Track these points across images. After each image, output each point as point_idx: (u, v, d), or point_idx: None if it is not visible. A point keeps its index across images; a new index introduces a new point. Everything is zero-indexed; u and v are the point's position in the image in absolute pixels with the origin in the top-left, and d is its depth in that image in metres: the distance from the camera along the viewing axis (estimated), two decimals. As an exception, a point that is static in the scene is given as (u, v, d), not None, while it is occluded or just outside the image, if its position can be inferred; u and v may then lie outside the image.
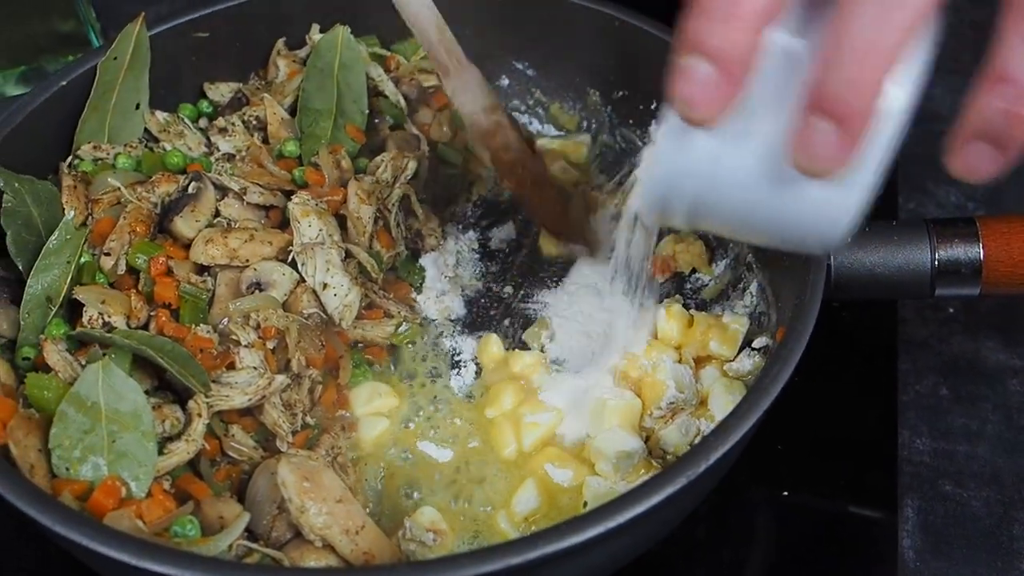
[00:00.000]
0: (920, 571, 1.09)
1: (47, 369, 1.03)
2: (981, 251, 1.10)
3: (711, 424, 1.10)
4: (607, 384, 1.16)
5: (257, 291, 1.14)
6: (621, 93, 1.43)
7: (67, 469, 0.93)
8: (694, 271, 1.30)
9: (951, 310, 1.33)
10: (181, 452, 0.99)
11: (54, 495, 0.91)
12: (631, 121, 1.44)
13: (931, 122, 1.60)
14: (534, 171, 1.25)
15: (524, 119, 1.51)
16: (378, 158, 1.31)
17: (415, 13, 1.16)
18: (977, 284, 1.11)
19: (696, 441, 1.09)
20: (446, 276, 1.32)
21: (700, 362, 1.18)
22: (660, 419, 1.11)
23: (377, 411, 1.17)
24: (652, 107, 1.40)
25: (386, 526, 1.05)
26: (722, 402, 1.11)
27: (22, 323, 1.08)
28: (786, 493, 1.15)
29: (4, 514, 1.12)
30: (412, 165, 1.31)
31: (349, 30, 1.37)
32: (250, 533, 0.97)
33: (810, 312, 1.00)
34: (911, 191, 1.50)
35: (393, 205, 1.28)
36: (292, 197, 1.21)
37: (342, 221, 1.23)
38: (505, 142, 1.22)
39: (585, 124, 1.48)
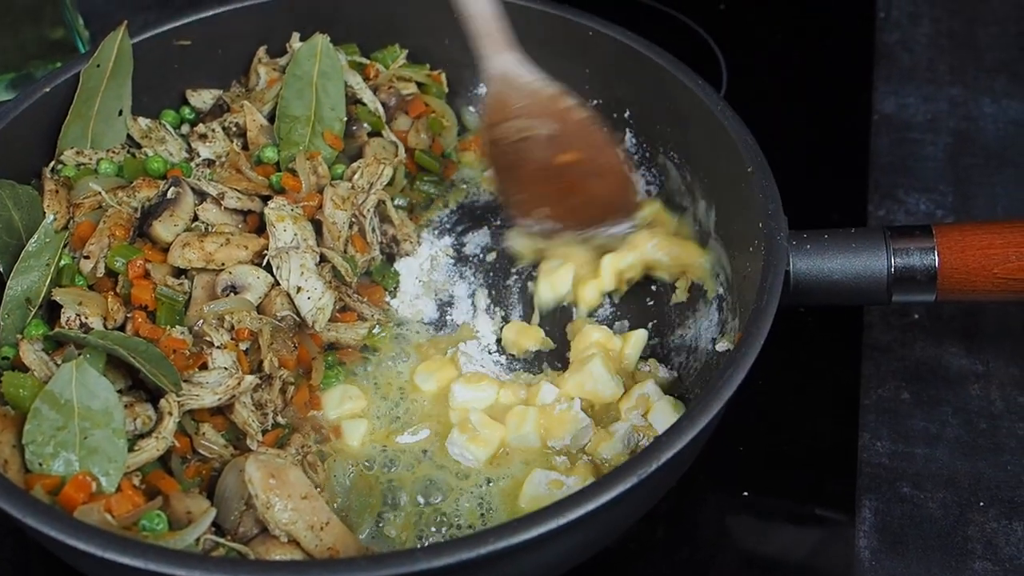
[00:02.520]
0: (875, 570, 1.12)
1: (24, 368, 1.06)
2: (936, 258, 1.13)
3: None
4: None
5: (232, 294, 1.17)
6: (595, 102, 1.46)
7: (40, 464, 0.96)
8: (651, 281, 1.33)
9: (915, 316, 1.35)
10: (151, 449, 1.02)
11: (27, 489, 0.94)
12: (604, 130, 1.46)
13: (903, 130, 1.64)
14: (600, 133, 1.25)
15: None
16: (354, 164, 1.34)
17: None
18: (933, 291, 1.14)
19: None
20: (420, 280, 1.35)
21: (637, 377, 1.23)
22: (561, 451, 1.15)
23: (351, 413, 1.20)
24: (625, 115, 1.42)
25: (353, 521, 1.08)
26: (664, 418, 1.14)
27: (2, 324, 1.11)
28: (746, 494, 1.18)
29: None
30: (388, 172, 1.34)
31: (328, 38, 1.40)
32: (218, 528, 1.00)
33: (765, 316, 1.03)
34: (881, 199, 1.53)
35: (368, 211, 1.31)
36: (269, 202, 1.24)
37: (318, 226, 1.26)
38: (574, 101, 1.23)
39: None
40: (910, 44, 1.80)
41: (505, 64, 1.23)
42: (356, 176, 1.32)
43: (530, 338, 1.27)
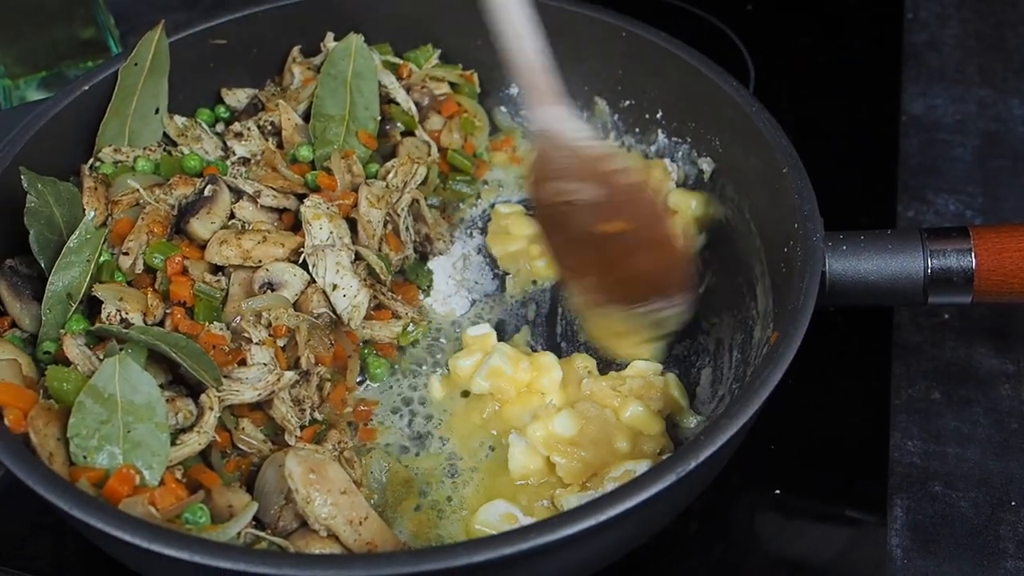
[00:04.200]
0: (907, 569, 1.12)
1: (67, 363, 1.07)
2: (973, 260, 1.13)
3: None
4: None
5: (269, 291, 1.19)
6: (628, 102, 1.47)
7: (84, 457, 0.98)
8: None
9: (945, 316, 1.36)
10: (193, 443, 1.03)
11: (72, 482, 0.95)
12: (637, 130, 1.47)
13: (932, 131, 1.64)
14: (651, 201, 1.15)
15: (534, 128, 1.54)
16: (389, 164, 1.35)
17: (515, 32, 1.11)
18: (969, 293, 1.14)
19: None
20: (453, 279, 1.36)
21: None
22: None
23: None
24: (658, 116, 1.43)
25: (389, 517, 1.09)
26: None
27: (43, 319, 1.12)
28: (778, 492, 1.18)
29: (21, 509, 1.18)
30: (422, 171, 1.35)
31: (363, 38, 1.41)
32: (258, 522, 1.02)
33: (802, 317, 1.03)
34: (910, 200, 1.53)
35: (403, 210, 1.32)
36: (304, 200, 1.26)
37: (353, 224, 1.27)
38: (624, 164, 1.14)
39: (592, 132, 1.52)
40: (938, 45, 1.80)
41: (550, 119, 1.14)
42: (390, 175, 1.33)
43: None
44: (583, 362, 1.23)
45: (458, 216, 1.44)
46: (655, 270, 1.18)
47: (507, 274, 1.37)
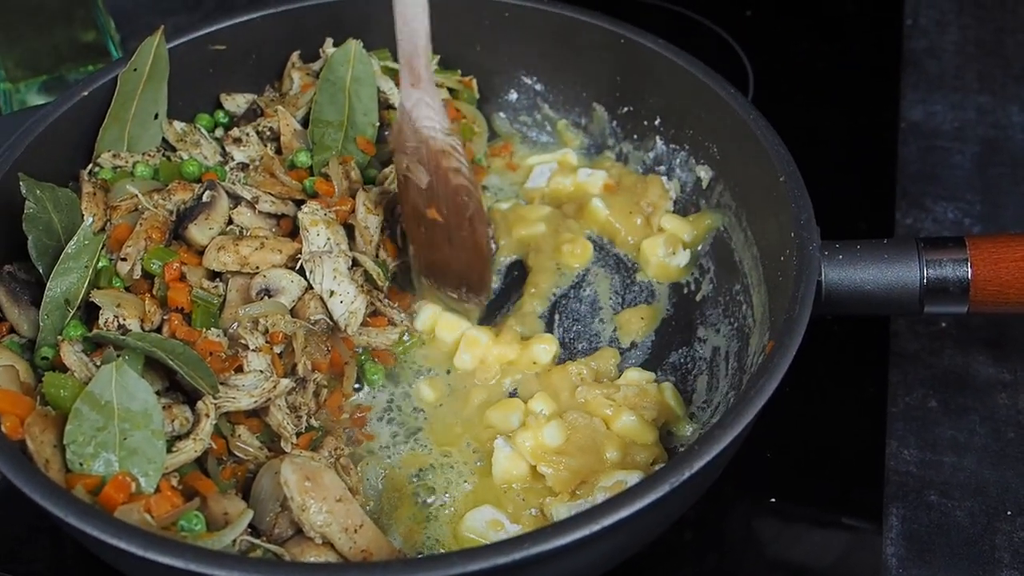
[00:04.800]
0: (902, 578, 1.12)
1: (64, 369, 1.07)
2: (969, 270, 1.13)
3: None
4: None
5: (266, 297, 1.19)
6: (626, 109, 1.47)
7: (80, 464, 0.98)
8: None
9: (943, 325, 1.36)
10: (189, 450, 1.04)
11: (68, 489, 0.95)
12: (635, 136, 1.47)
13: (931, 138, 1.64)
14: (475, 200, 1.23)
15: (532, 134, 1.55)
16: (386, 169, 1.35)
17: (411, 13, 1.15)
18: (965, 303, 1.14)
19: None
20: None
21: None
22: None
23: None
24: (656, 123, 1.43)
25: (384, 524, 1.09)
26: None
27: (41, 324, 1.12)
28: (774, 500, 1.19)
29: (19, 512, 1.18)
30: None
31: (361, 44, 1.42)
32: (253, 529, 1.02)
33: (798, 326, 1.03)
34: (909, 207, 1.53)
35: (400, 216, 1.32)
36: (302, 207, 1.26)
37: (350, 231, 1.27)
38: (459, 163, 1.20)
39: (590, 139, 1.52)
40: (938, 52, 1.80)
41: (414, 100, 1.19)
42: (388, 181, 1.33)
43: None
44: (577, 369, 1.23)
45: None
46: (458, 267, 1.28)
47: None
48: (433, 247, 1.28)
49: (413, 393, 1.25)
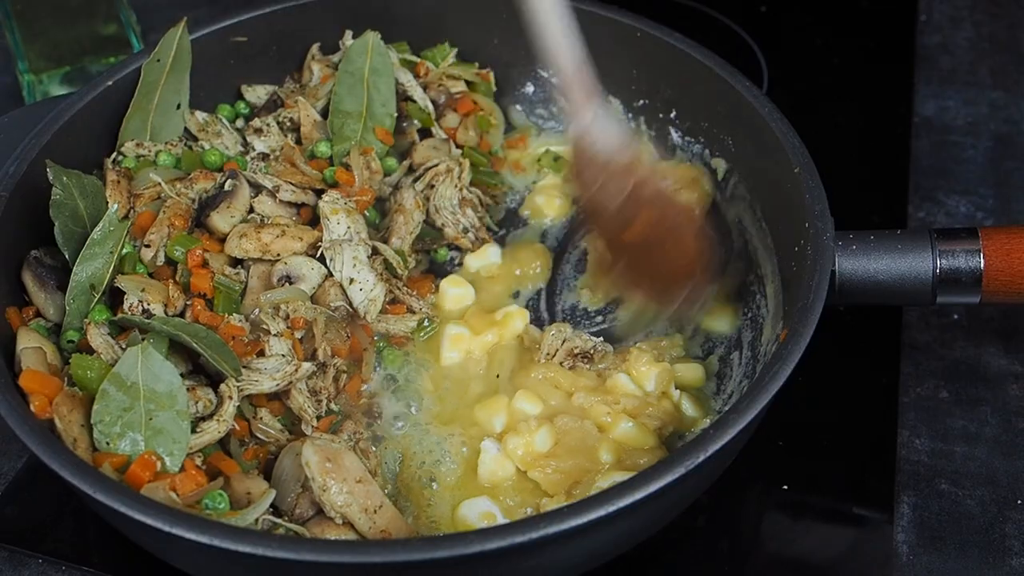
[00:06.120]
0: (913, 565, 1.13)
1: (90, 351, 1.10)
2: (982, 261, 1.14)
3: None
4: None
5: (287, 284, 1.21)
6: (642, 102, 1.48)
7: (107, 443, 1.00)
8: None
9: (955, 316, 1.37)
10: (212, 431, 1.06)
11: (95, 467, 0.97)
12: (651, 129, 1.49)
13: (944, 133, 1.65)
14: (677, 204, 1.17)
15: (550, 125, 1.57)
16: (435, 168, 1.39)
17: (555, 43, 1.12)
18: (977, 293, 1.15)
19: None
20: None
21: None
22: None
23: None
24: (672, 116, 1.45)
25: (402, 506, 1.11)
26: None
27: (67, 308, 1.14)
28: (786, 488, 1.20)
29: (44, 496, 1.20)
30: (467, 176, 1.41)
31: (379, 36, 1.44)
32: (275, 509, 1.04)
33: (812, 315, 1.05)
34: (921, 200, 1.54)
35: (451, 202, 1.38)
36: (323, 196, 1.28)
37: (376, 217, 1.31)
38: (650, 172, 1.16)
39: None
40: (951, 47, 1.81)
41: (592, 116, 1.16)
42: (440, 181, 1.39)
43: None
44: (580, 378, 1.23)
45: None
46: (679, 273, 1.20)
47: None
48: (639, 269, 1.21)
49: (414, 382, 1.26)
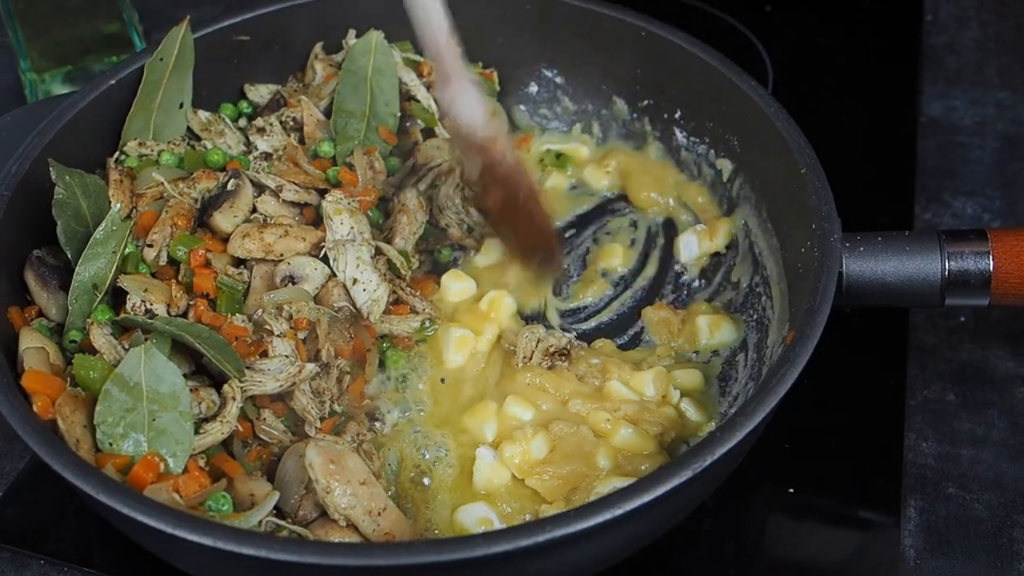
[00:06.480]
0: (920, 570, 1.13)
1: (92, 351, 1.09)
2: (991, 263, 1.13)
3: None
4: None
5: (290, 284, 1.20)
6: (647, 102, 1.48)
7: (110, 444, 1.00)
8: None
9: (962, 318, 1.36)
10: (216, 432, 1.05)
11: (98, 468, 0.97)
12: (656, 129, 1.48)
13: (950, 133, 1.64)
14: (526, 185, 1.25)
15: (553, 125, 1.56)
16: (438, 168, 1.40)
17: (426, 16, 1.18)
18: (986, 295, 1.14)
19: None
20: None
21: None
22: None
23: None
24: (677, 115, 1.44)
25: (405, 508, 1.10)
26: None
27: (70, 308, 1.14)
28: (792, 490, 1.19)
29: (46, 497, 1.19)
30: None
31: (383, 35, 1.43)
32: (279, 511, 1.03)
33: (819, 317, 1.04)
34: (928, 202, 1.53)
35: (452, 200, 1.38)
36: (326, 196, 1.27)
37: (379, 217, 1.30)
38: (502, 153, 1.23)
39: (605, 132, 1.53)
40: (957, 47, 1.80)
41: (449, 99, 1.22)
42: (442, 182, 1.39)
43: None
44: (567, 382, 1.22)
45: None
46: (528, 243, 1.31)
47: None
48: (500, 228, 1.33)
49: (414, 384, 1.25)
